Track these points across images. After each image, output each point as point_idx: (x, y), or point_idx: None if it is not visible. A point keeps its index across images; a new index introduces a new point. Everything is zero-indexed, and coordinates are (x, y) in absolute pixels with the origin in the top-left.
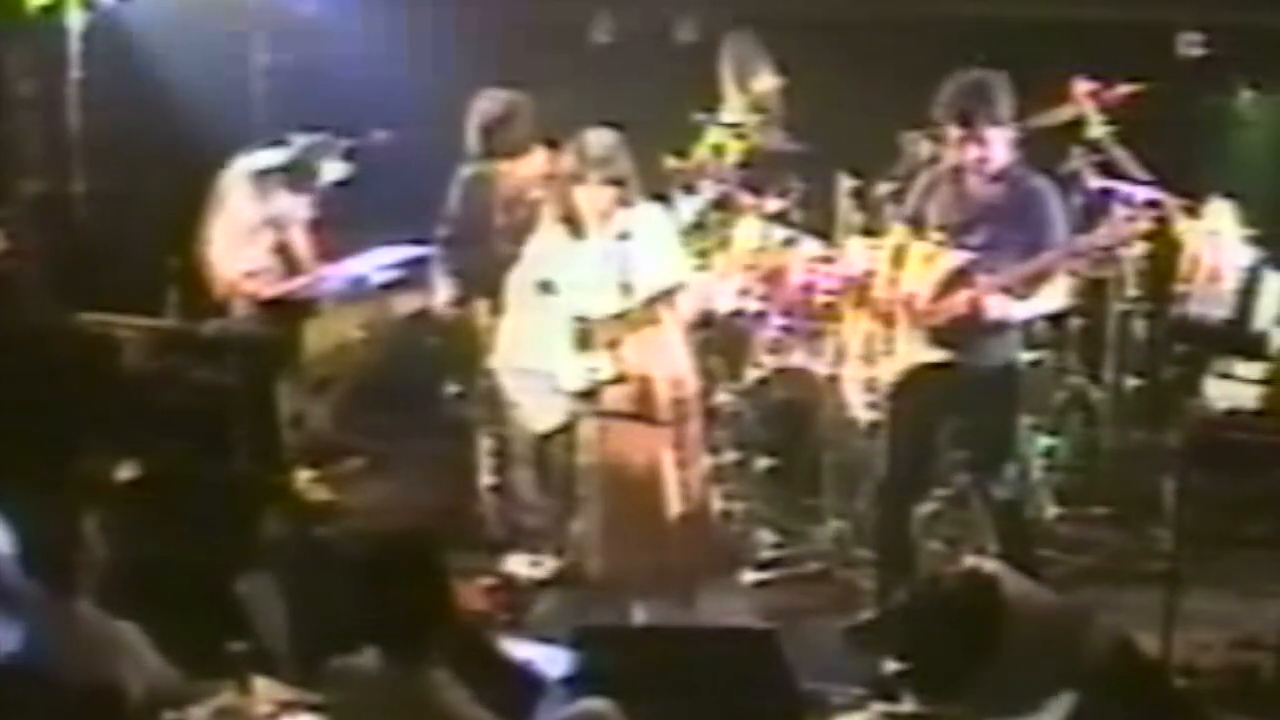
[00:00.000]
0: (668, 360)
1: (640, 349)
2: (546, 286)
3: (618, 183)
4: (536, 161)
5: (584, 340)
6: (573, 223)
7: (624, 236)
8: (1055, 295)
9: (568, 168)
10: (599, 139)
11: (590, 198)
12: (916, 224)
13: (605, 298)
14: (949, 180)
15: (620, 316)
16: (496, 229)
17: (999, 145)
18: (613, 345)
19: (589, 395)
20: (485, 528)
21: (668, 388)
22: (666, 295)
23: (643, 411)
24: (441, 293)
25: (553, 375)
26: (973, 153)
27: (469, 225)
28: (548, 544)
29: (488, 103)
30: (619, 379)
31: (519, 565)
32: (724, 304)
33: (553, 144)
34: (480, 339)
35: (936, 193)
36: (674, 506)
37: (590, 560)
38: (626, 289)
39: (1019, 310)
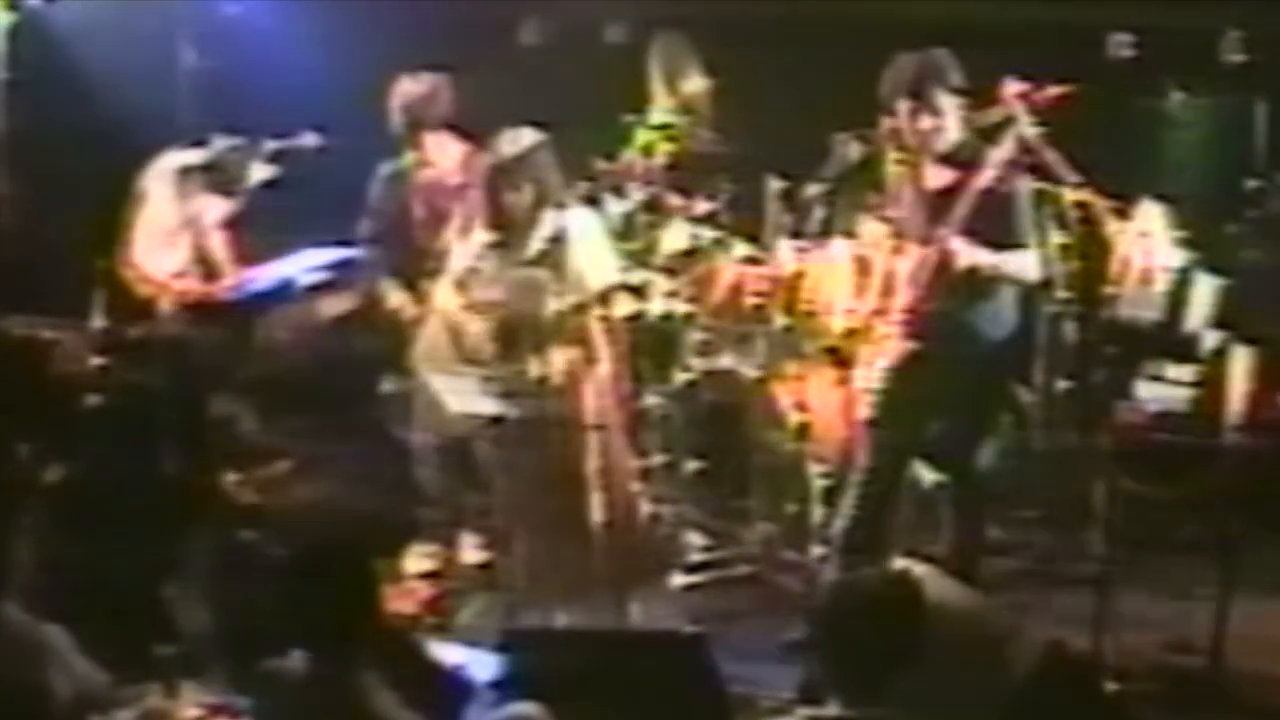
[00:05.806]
0: (597, 363)
1: (570, 351)
2: (469, 288)
3: (537, 182)
4: (453, 153)
5: (511, 342)
6: (500, 225)
7: (556, 238)
8: (1027, 261)
9: (488, 166)
10: (513, 138)
11: (514, 198)
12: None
13: (535, 300)
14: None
15: (550, 319)
16: (417, 222)
17: (951, 117)
18: (539, 348)
19: (514, 397)
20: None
21: (595, 391)
22: (598, 298)
23: (569, 414)
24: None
25: (474, 377)
26: (925, 123)
27: (390, 221)
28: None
29: (410, 83)
30: (544, 381)
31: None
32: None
33: (469, 136)
34: (407, 335)
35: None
36: (599, 510)
37: (516, 562)
38: (557, 292)
39: (988, 258)
